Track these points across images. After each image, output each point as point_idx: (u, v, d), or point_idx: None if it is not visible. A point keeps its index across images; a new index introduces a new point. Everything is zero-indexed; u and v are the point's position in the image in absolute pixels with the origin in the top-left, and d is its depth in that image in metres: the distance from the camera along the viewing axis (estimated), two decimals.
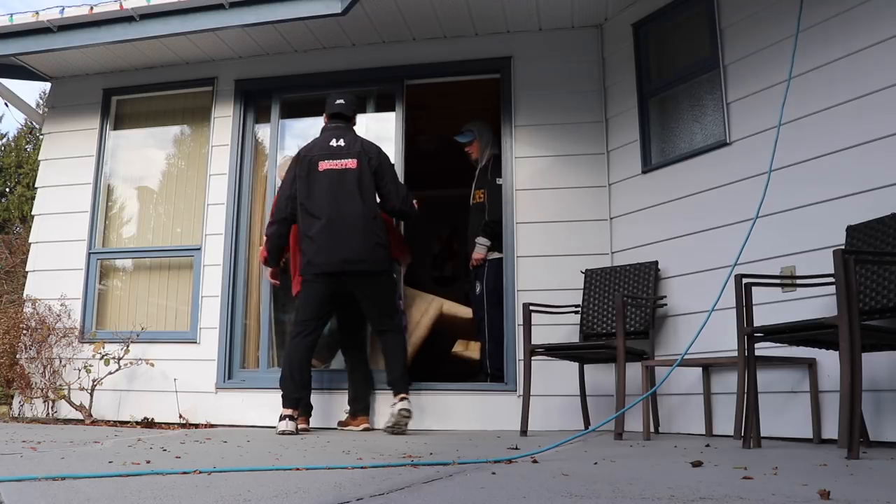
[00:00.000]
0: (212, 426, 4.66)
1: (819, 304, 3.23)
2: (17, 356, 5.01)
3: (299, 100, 5.31)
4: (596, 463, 2.37)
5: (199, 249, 5.10)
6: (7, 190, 16.50)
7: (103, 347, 4.84)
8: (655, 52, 4.46)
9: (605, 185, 4.59)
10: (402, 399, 3.99)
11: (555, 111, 4.74)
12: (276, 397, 4.13)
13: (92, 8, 4.75)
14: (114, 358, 4.72)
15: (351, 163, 4.14)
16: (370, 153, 4.19)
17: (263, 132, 5.30)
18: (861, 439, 2.59)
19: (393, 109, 5.00)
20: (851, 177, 3.21)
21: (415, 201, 4.33)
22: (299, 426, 4.03)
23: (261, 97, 5.29)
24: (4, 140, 17.40)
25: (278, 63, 5.22)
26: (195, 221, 5.23)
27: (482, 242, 4.76)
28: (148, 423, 4.75)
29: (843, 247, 2.98)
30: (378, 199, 4.20)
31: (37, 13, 4.86)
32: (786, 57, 3.54)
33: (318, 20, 4.60)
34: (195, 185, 5.31)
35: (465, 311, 5.04)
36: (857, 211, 3.11)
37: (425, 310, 4.94)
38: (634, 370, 3.82)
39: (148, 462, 2.30)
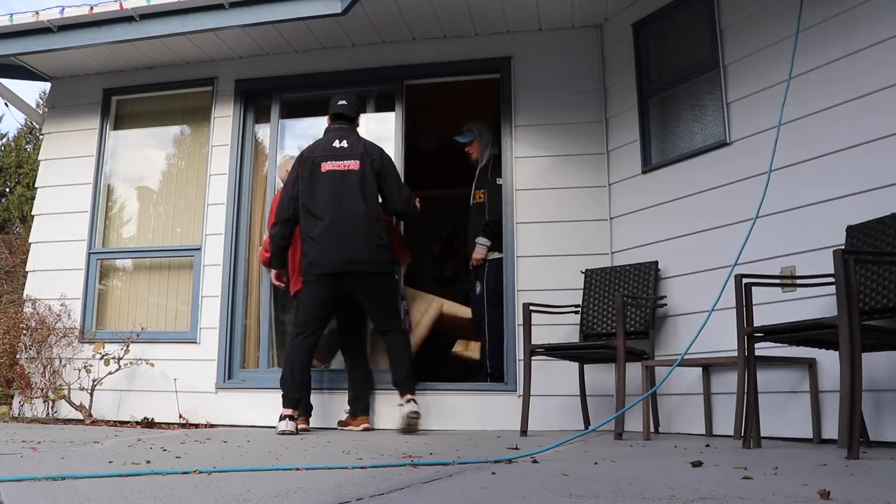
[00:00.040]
0: (212, 426, 4.67)
1: (819, 304, 3.23)
2: (17, 356, 5.01)
3: (299, 100, 5.31)
4: (596, 463, 2.37)
5: (199, 249, 5.10)
6: (7, 190, 16.51)
7: (103, 347, 4.84)
8: (655, 52, 4.46)
9: (605, 185, 4.59)
10: (408, 401, 4.00)
11: (555, 111, 4.74)
12: (276, 397, 4.14)
13: (92, 8, 4.75)
14: (114, 358, 4.72)
15: (354, 164, 4.14)
16: (373, 155, 4.20)
17: (263, 132, 5.30)
18: (861, 439, 2.59)
19: (393, 109, 5.00)
20: (851, 177, 3.21)
21: (418, 200, 4.33)
22: (299, 426, 4.03)
23: (261, 97, 5.29)
24: (4, 140, 17.40)
25: (278, 63, 5.22)
26: (195, 221, 5.23)
27: (482, 242, 4.76)
28: (148, 423, 4.75)
29: (843, 247, 2.98)
30: (380, 201, 4.21)
31: (37, 13, 4.86)
32: (786, 57, 3.54)
33: (318, 20, 4.60)
34: (195, 185, 5.31)
35: (465, 311, 5.04)
36: (857, 211, 3.11)
37: (425, 310, 4.94)
38: (634, 370, 3.82)
39: (148, 462, 2.30)
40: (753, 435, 2.89)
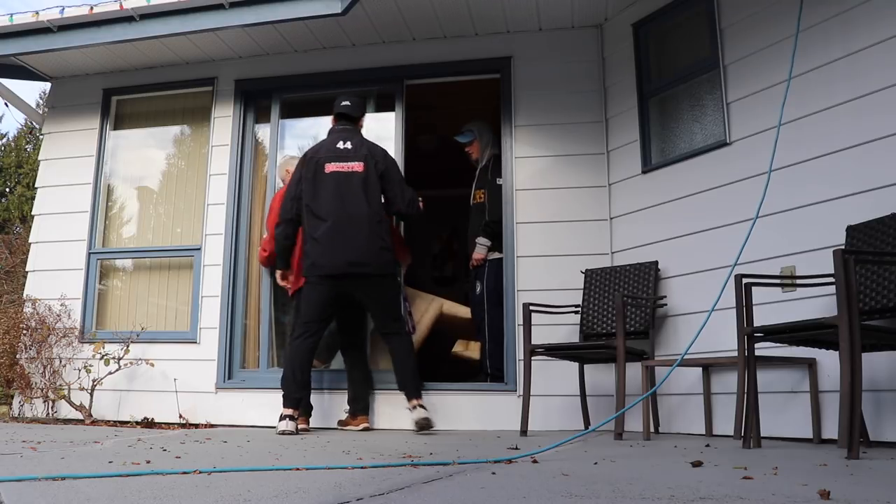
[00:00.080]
0: (212, 426, 4.66)
1: (819, 304, 3.23)
2: (17, 356, 5.01)
3: (299, 100, 5.31)
4: (596, 463, 2.37)
5: (199, 249, 5.10)
6: (7, 190, 16.51)
7: (103, 347, 4.84)
8: (655, 52, 4.46)
9: (605, 185, 4.59)
10: (416, 407, 4.00)
11: (555, 111, 4.74)
12: (276, 397, 4.14)
13: (92, 8, 4.75)
14: (114, 358, 4.72)
15: (357, 166, 4.14)
16: (377, 156, 4.20)
17: (263, 132, 5.30)
18: (861, 439, 2.59)
19: (393, 109, 5.00)
20: (851, 177, 3.21)
21: (420, 200, 4.33)
22: (299, 426, 4.03)
23: (261, 97, 5.29)
24: (4, 140, 17.40)
25: (278, 63, 5.22)
26: (195, 221, 5.23)
27: (482, 242, 4.76)
28: (148, 423, 4.75)
29: (843, 247, 2.98)
30: (383, 202, 4.21)
31: (37, 13, 4.86)
32: (786, 57, 3.54)
33: (318, 20, 4.60)
34: (195, 185, 5.31)
35: (465, 311, 5.04)
36: (857, 211, 3.11)
37: (425, 310, 4.94)
38: (634, 370, 3.82)
39: (148, 462, 2.30)
40: (753, 435, 2.89)
